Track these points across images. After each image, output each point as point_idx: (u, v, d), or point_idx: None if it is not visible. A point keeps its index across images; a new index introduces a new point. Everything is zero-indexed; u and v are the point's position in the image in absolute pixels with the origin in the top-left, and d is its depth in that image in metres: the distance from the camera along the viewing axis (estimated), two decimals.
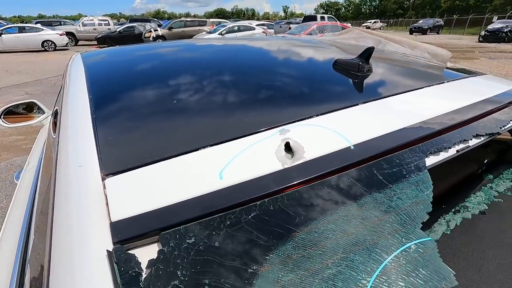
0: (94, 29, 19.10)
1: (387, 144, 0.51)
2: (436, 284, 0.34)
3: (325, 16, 16.88)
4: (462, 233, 0.65)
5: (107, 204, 0.37)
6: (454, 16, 31.15)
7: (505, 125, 0.64)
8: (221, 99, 0.66)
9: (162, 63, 1.02)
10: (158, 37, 16.40)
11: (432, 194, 0.43)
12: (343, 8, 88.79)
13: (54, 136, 0.99)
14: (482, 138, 0.58)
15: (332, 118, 0.56)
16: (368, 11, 77.92)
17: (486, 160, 0.97)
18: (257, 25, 17.45)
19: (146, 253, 0.34)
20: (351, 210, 0.40)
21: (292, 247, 0.35)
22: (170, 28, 17.00)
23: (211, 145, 0.46)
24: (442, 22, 29.41)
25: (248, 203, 0.38)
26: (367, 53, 0.81)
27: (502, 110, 0.70)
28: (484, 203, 0.73)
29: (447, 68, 1.04)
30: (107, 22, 19.92)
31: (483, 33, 18.22)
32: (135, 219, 0.36)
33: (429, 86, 0.77)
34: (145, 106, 0.63)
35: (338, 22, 15.12)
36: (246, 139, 0.49)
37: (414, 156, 0.50)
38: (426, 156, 0.50)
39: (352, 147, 0.49)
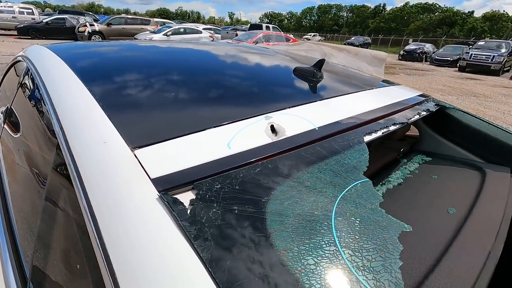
0: (14, 17, 16.72)
1: (339, 127, 0.72)
2: (372, 201, 0.53)
3: (270, 26, 17.68)
4: (386, 198, 0.89)
5: (143, 168, 0.48)
6: (380, 35, 35.63)
7: (410, 119, 0.91)
8: (222, 93, 0.83)
9: (152, 59, 1.08)
10: (94, 33, 15.08)
11: (368, 159, 0.63)
12: (286, 20, 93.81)
13: (16, 136, 0.97)
14: (394, 127, 0.83)
15: (301, 109, 0.77)
16: (308, 24, 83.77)
17: (402, 150, 1.28)
18: (203, 29, 17.37)
19: (185, 197, 0.45)
20: (318, 166, 0.58)
21: (284, 186, 0.51)
22: (108, 24, 15.80)
23: (218, 126, 0.62)
24: (370, 40, 33.34)
25: (248, 164, 0.54)
26: (320, 64, 1.03)
27: (408, 109, 0.98)
28: (401, 178, 0.99)
29: (374, 78, 1.33)
30: (30, 10, 17.63)
31: (401, 52, 21.26)
32: (170, 175, 0.47)
33: (363, 91, 1.02)
34: (150, 93, 0.74)
35: (282, 32, 16.01)
36: (243, 121, 0.66)
37: (356, 135, 0.71)
38: (364, 135, 0.72)
39: (317, 129, 0.69)
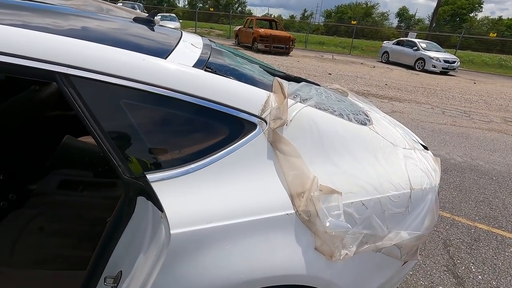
0: None
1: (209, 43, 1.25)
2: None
3: None
4: None
5: None
6: None
7: None
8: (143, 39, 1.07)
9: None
10: None
11: None
12: None
13: None
14: None
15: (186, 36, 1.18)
16: None
17: None
18: None
19: None
20: (229, 53, 1.34)
21: (233, 59, 1.28)
22: None
23: (175, 49, 0.95)
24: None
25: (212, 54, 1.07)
26: (154, 14, 1.25)
27: None
28: None
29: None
30: None
31: None
32: None
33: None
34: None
35: None
36: (182, 44, 1.02)
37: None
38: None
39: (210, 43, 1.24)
